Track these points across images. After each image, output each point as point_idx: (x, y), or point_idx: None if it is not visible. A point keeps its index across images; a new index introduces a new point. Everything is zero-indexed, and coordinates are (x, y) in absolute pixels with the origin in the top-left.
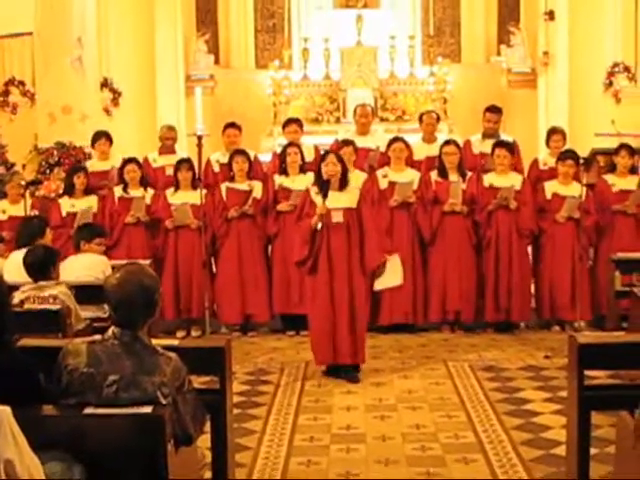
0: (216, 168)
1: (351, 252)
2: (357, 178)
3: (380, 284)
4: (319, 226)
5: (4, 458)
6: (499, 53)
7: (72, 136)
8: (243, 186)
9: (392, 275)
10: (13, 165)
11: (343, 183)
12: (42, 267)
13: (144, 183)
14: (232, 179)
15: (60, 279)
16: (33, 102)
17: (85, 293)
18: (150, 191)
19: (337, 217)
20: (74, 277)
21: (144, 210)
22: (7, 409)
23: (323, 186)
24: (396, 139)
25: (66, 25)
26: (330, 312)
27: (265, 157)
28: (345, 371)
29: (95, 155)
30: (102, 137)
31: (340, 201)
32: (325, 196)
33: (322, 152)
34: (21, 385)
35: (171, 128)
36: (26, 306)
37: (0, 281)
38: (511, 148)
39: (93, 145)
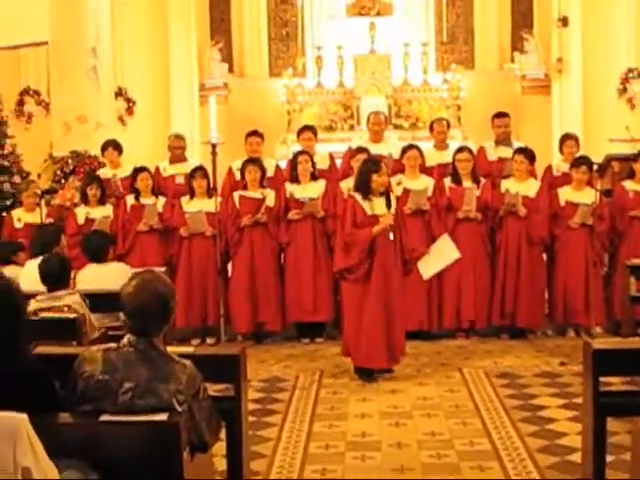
0: (238, 176)
1: (396, 258)
2: None
3: (433, 267)
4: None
5: (22, 466)
6: (513, 60)
7: (87, 145)
8: (256, 194)
9: (447, 252)
10: (28, 174)
11: (383, 191)
12: (56, 277)
13: (156, 192)
14: (245, 187)
15: (79, 288)
16: (48, 111)
17: (99, 302)
18: (162, 199)
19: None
20: (99, 286)
21: (157, 217)
22: (24, 417)
23: (366, 193)
24: (410, 147)
25: (81, 35)
26: (383, 317)
27: (281, 164)
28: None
29: (106, 163)
30: (109, 146)
31: (384, 208)
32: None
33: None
34: (37, 392)
35: (179, 137)
36: (42, 315)
37: (17, 290)
38: (530, 155)
39: (103, 154)
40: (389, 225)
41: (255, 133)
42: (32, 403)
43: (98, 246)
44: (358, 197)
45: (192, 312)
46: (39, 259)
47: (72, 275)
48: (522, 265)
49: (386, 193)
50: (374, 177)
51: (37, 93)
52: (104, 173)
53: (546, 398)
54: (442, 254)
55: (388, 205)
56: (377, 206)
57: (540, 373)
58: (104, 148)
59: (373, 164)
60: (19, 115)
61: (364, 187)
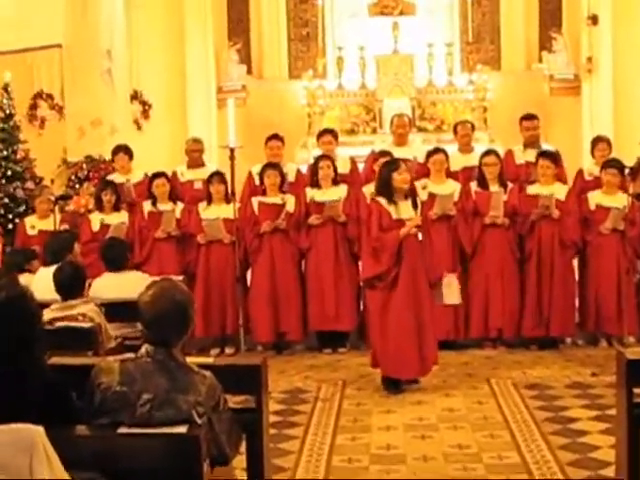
0: (257, 181)
1: (423, 263)
2: None
3: (436, 299)
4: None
5: (38, 478)
6: (541, 60)
7: (101, 150)
8: (275, 200)
9: (450, 294)
10: (42, 180)
11: (407, 193)
12: (71, 285)
13: (173, 197)
14: (264, 193)
15: (95, 297)
16: (62, 116)
17: (116, 311)
18: (180, 205)
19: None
20: (117, 295)
21: (175, 224)
22: (40, 429)
23: (390, 196)
24: (436, 150)
25: (95, 37)
26: (413, 324)
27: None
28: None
29: (116, 169)
30: (120, 151)
31: (410, 211)
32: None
33: (381, 160)
34: (53, 404)
35: (197, 140)
36: (57, 324)
37: (30, 298)
38: (555, 158)
39: (113, 159)
40: (417, 225)
41: (275, 137)
42: (48, 415)
43: (118, 254)
44: (383, 201)
45: (211, 321)
46: (52, 267)
47: (87, 284)
48: (555, 271)
49: (412, 195)
50: (394, 176)
51: (50, 97)
52: (114, 179)
53: (577, 410)
54: (448, 292)
55: (414, 207)
56: (403, 209)
57: (571, 384)
58: (115, 153)
59: (391, 163)
60: (32, 119)
61: (386, 189)
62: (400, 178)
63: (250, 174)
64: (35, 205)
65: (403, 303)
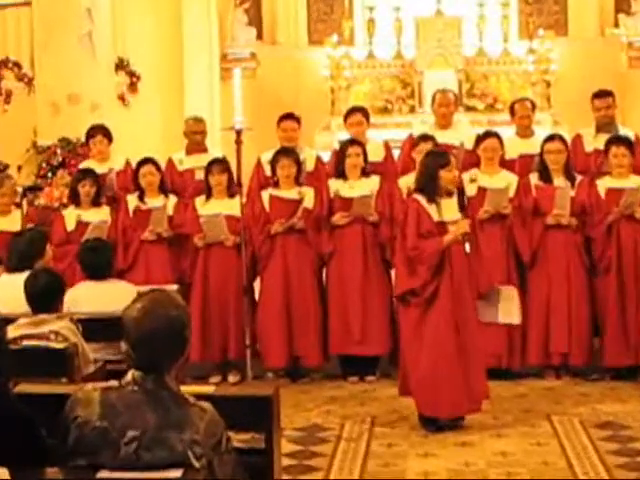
0: (268, 170)
1: (470, 276)
2: None
3: (488, 316)
4: None
5: None
6: (617, 24)
7: (80, 131)
8: (291, 194)
9: (508, 310)
10: (7, 167)
11: (460, 194)
12: (46, 297)
13: (164, 189)
14: (276, 185)
15: (69, 311)
16: (31, 89)
17: (95, 328)
18: (172, 199)
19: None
20: (95, 309)
21: (166, 223)
22: (3, 472)
23: (432, 195)
24: (488, 134)
25: None
26: (456, 350)
27: (323, 156)
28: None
29: (91, 155)
30: (98, 133)
31: (455, 211)
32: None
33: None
34: (19, 441)
35: (199, 120)
36: (24, 343)
37: None
38: (631, 144)
39: (87, 142)
40: (464, 233)
41: (290, 116)
42: (13, 454)
43: (101, 259)
44: (422, 200)
45: (210, 342)
46: (17, 274)
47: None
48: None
49: (459, 192)
50: (441, 173)
51: (17, 66)
52: (88, 167)
53: None
54: (504, 308)
55: (461, 207)
56: (446, 209)
57: None
58: (90, 135)
59: (440, 156)
60: None
61: (429, 187)
62: (449, 177)
63: (259, 162)
64: None
65: (445, 324)
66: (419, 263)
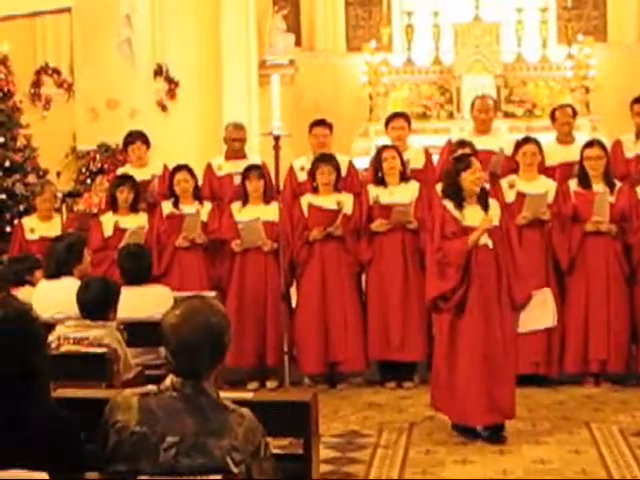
0: (301, 177)
1: (500, 282)
2: None
3: (526, 324)
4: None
5: None
6: None
7: (119, 136)
8: (330, 203)
9: (541, 314)
10: (46, 173)
11: (482, 196)
12: (99, 307)
13: (198, 195)
14: (315, 191)
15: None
16: (71, 95)
17: (134, 333)
18: (207, 205)
19: (483, 238)
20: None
21: (199, 229)
22: (44, 476)
23: (458, 199)
24: (527, 140)
25: (112, 0)
26: (481, 358)
27: (358, 163)
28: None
29: (130, 161)
30: (137, 140)
31: (481, 216)
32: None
33: (454, 154)
34: (59, 446)
35: (239, 127)
36: (64, 348)
37: (34, 317)
38: None
39: (126, 149)
40: (487, 229)
41: (321, 123)
42: (53, 459)
43: (142, 265)
44: (449, 205)
45: (247, 349)
46: (56, 280)
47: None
48: None
49: (483, 196)
50: (464, 175)
51: (57, 72)
52: (127, 172)
53: None
54: (538, 312)
55: (484, 207)
56: (471, 215)
57: None
58: (130, 142)
59: (460, 161)
60: (35, 99)
61: (454, 192)
62: (471, 178)
63: (291, 169)
64: (36, 204)
65: (472, 332)
66: (447, 265)
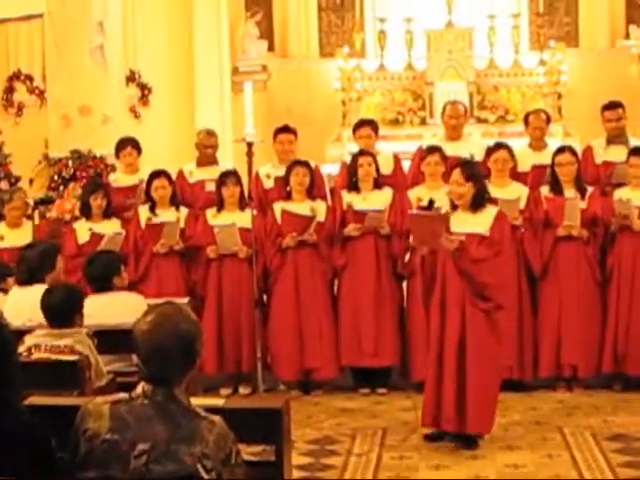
0: (267, 184)
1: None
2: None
3: None
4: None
5: None
6: (628, 35)
7: (91, 143)
8: (304, 210)
9: None
10: (18, 179)
11: (477, 203)
12: (63, 313)
13: (175, 202)
14: (288, 196)
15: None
16: (43, 101)
17: (105, 341)
18: (184, 211)
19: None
20: (105, 321)
21: (178, 237)
22: None
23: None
24: (498, 146)
25: (85, 6)
26: (439, 362)
27: (331, 168)
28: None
29: (120, 167)
30: (128, 145)
31: (468, 224)
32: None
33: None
34: (29, 454)
35: (211, 134)
36: (35, 356)
37: (4, 325)
38: None
39: (117, 155)
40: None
41: (286, 129)
42: (24, 467)
43: (105, 270)
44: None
45: (223, 355)
46: (28, 287)
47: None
48: (635, 296)
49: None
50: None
51: (29, 78)
52: (117, 180)
53: None
54: None
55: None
56: (459, 222)
57: None
58: (120, 148)
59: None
60: (7, 106)
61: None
62: (449, 189)
63: (257, 176)
64: (4, 211)
65: (435, 337)
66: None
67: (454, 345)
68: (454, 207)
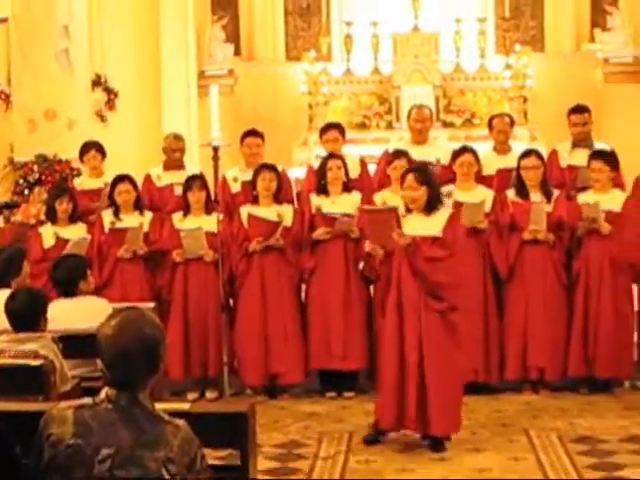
0: (234, 188)
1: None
2: None
3: None
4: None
5: None
6: (593, 39)
7: (57, 147)
8: (270, 215)
9: None
10: None
11: (430, 206)
12: (25, 317)
13: (139, 206)
14: (255, 200)
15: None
16: (8, 105)
17: (70, 345)
18: (148, 215)
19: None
20: (70, 326)
21: (142, 240)
22: None
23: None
24: (464, 150)
25: (50, 10)
26: (398, 364)
27: (298, 172)
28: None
29: (85, 171)
30: (92, 149)
31: (421, 227)
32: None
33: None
34: None
35: (178, 138)
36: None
37: None
38: (612, 159)
39: (82, 159)
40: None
41: (253, 133)
42: None
43: (71, 274)
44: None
45: (189, 360)
46: None
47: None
48: (604, 298)
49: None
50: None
51: None
52: (82, 183)
53: (636, 469)
54: None
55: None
56: (412, 224)
57: (629, 438)
58: (84, 151)
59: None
60: None
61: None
62: (403, 194)
63: (224, 180)
64: None
65: (390, 336)
66: None
67: (414, 348)
68: (408, 211)
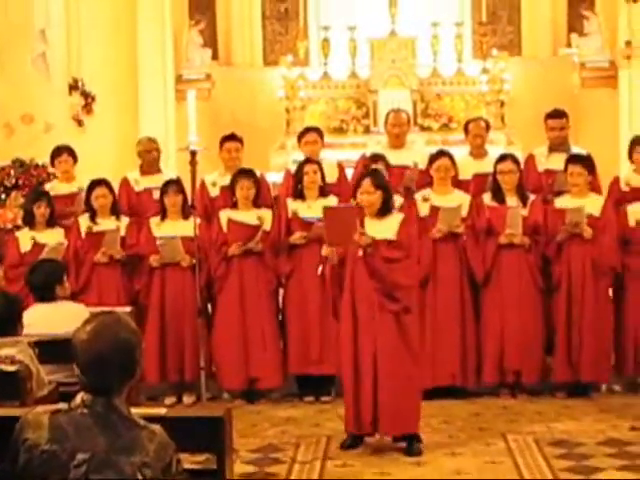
0: (213, 192)
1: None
2: None
3: None
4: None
5: None
6: (569, 44)
7: (33, 151)
8: (250, 219)
9: None
10: None
11: (384, 210)
12: (3, 322)
13: (116, 210)
14: (234, 205)
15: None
16: None
17: (46, 350)
18: (124, 220)
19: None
20: (47, 331)
21: (119, 245)
22: None
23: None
24: (441, 154)
25: (27, 14)
26: (353, 368)
27: (275, 177)
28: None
29: (57, 175)
30: (63, 153)
31: (376, 230)
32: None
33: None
34: None
35: (152, 140)
36: None
37: None
38: (589, 163)
39: (53, 163)
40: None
41: (232, 137)
42: None
43: (48, 279)
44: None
45: (165, 364)
46: None
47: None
48: (586, 303)
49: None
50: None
51: None
52: (53, 188)
53: (613, 472)
54: None
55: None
56: (369, 228)
57: (605, 441)
58: (56, 155)
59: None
60: None
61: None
62: (359, 198)
63: (203, 184)
64: None
65: (347, 341)
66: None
67: (369, 351)
68: None
